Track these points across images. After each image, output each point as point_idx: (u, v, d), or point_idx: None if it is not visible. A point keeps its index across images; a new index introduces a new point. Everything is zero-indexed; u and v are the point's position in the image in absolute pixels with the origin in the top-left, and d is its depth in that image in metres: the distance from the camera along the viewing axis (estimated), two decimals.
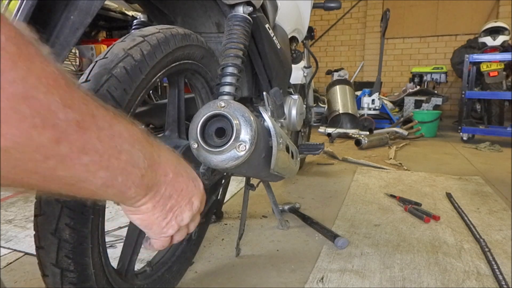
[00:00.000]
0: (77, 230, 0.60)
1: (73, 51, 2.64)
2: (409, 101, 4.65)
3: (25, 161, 0.29)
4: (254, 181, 1.23)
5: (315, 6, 1.81)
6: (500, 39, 4.03)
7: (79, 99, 0.33)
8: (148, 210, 0.45)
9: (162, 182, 0.45)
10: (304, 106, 1.78)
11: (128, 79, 0.63)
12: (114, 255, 1.04)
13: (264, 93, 0.98)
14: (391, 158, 2.72)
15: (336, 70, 5.18)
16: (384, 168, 2.41)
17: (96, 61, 0.63)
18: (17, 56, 0.27)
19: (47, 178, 0.31)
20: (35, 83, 0.28)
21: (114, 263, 0.77)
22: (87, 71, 0.62)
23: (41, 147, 0.29)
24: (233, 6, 0.90)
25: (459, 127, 3.61)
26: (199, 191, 0.52)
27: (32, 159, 0.29)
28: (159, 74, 0.73)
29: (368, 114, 4.21)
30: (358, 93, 4.42)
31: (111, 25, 3.40)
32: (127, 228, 0.81)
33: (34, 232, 0.62)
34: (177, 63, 0.79)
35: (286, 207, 1.55)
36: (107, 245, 1.25)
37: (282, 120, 1.16)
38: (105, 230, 1.36)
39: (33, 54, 0.29)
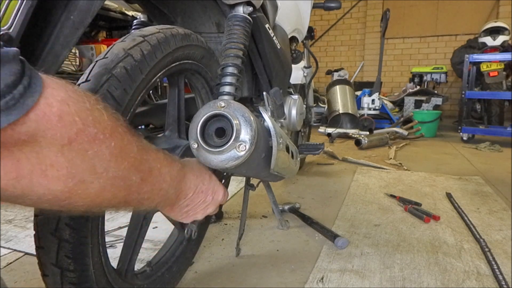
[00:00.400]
0: (77, 230, 0.60)
1: (73, 51, 2.64)
2: (409, 101, 4.65)
3: (109, 206, 0.47)
4: (254, 181, 1.22)
5: (315, 6, 1.81)
6: (500, 39, 4.03)
7: (145, 160, 0.50)
8: (167, 211, 0.66)
9: (181, 199, 0.63)
10: (304, 106, 1.78)
11: (128, 79, 0.63)
12: (114, 255, 1.04)
13: (264, 93, 0.98)
14: (391, 158, 2.72)
15: (336, 70, 5.17)
16: (384, 168, 2.41)
17: (96, 61, 0.63)
18: (117, 153, 0.44)
19: (118, 209, 0.50)
20: (125, 166, 0.45)
21: (114, 263, 0.77)
22: (87, 71, 0.62)
23: (120, 198, 0.47)
24: (233, 6, 0.90)
25: (459, 127, 3.61)
26: (215, 201, 0.70)
27: (113, 205, 0.47)
28: (159, 74, 0.73)
29: (368, 114, 4.21)
30: (358, 93, 4.41)
31: (111, 25, 3.40)
32: (127, 228, 0.82)
33: (34, 232, 0.62)
34: (177, 63, 0.79)
35: (286, 207, 1.55)
36: (107, 245, 1.25)
37: (282, 120, 1.16)
38: (105, 230, 1.36)
39: (126, 143, 0.45)
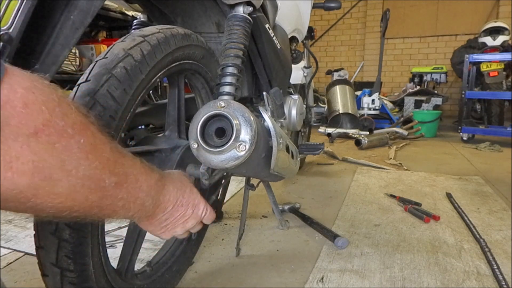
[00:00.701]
0: (77, 230, 0.60)
1: (73, 51, 2.64)
2: (409, 101, 4.65)
3: (81, 210, 0.44)
4: (254, 181, 1.23)
5: (315, 6, 1.81)
6: (500, 39, 4.03)
7: (120, 164, 0.48)
8: (145, 225, 0.63)
9: (160, 213, 0.61)
10: (304, 106, 1.78)
11: (128, 79, 0.63)
12: (114, 255, 1.04)
13: (264, 93, 0.98)
14: (391, 158, 2.72)
15: (336, 70, 5.17)
16: (384, 168, 2.41)
17: (96, 61, 0.63)
18: (88, 150, 0.42)
19: (91, 217, 0.47)
20: (97, 165, 0.43)
21: (114, 263, 0.77)
22: (87, 71, 0.62)
23: (92, 202, 0.44)
24: (233, 6, 0.90)
25: (459, 127, 3.61)
26: (195, 216, 0.67)
27: (86, 209, 0.44)
28: (159, 74, 0.73)
29: (368, 114, 4.21)
30: (358, 93, 4.41)
31: (111, 25, 3.40)
32: (127, 228, 0.82)
33: (34, 232, 0.62)
34: (177, 63, 0.79)
35: (286, 207, 1.55)
36: (107, 245, 1.24)
37: (282, 120, 1.16)
38: (105, 230, 1.35)
39: (98, 143, 0.44)
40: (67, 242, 0.60)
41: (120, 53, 0.64)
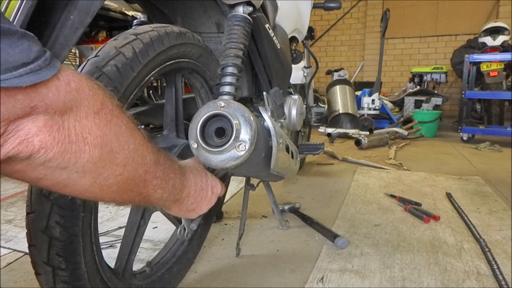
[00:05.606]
0: (67, 228, 0.60)
1: (73, 51, 2.64)
2: (409, 101, 4.65)
3: (132, 184, 0.50)
4: (254, 181, 1.22)
5: (315, 6, 1.81)
6: (500, 39, 4.03)
7: (154, 148, 0.55)
8: (175, 211, 0.69)
9: (185, 197, 0.67)
10: (304, 106, 1.78)
11: (119, 77, 0.63)
12: (114, 255, 1.04)
13: (264, 93, 0.98)
14: (391, 158, 2.72)
15: (336, 70, 5.18)
16: (384, 168, 2.41)
17: (88, 59, 0.63)
18: (131, 128, 0.49)
19: (134, 193, 0.52)
20: (139, 142, 0.50)
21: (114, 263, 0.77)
22: (79, 70, 0.62)
23: (140, 175, 0.51)
24: (233, 6, 0.90)
25: (459, 127, 3.61)
26: (215, 194, 0.74)
27: (135, 182, 0.51)
28: (153, 72, 0.73)
29: (368, 114, 4.21)
30: (358, 93, 4.41)
31: (111, 25, 3.40)
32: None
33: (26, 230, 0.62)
34: (172, 61, 0.78)
35: (286, 207, 1.55)
36: (106, 245, 1.24)
37: (282, 120, 1.16)
38: (105, 230, 1.36)
39: (134, 124, 0.50)
40: (58, 240, 0.60)
41: (111, 51, 0.64)
